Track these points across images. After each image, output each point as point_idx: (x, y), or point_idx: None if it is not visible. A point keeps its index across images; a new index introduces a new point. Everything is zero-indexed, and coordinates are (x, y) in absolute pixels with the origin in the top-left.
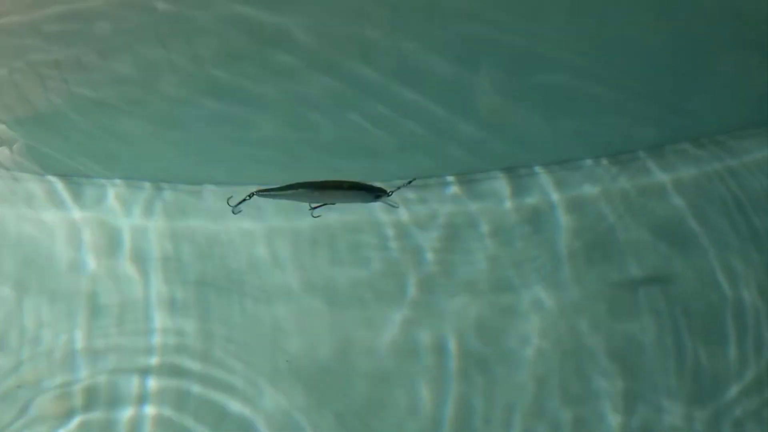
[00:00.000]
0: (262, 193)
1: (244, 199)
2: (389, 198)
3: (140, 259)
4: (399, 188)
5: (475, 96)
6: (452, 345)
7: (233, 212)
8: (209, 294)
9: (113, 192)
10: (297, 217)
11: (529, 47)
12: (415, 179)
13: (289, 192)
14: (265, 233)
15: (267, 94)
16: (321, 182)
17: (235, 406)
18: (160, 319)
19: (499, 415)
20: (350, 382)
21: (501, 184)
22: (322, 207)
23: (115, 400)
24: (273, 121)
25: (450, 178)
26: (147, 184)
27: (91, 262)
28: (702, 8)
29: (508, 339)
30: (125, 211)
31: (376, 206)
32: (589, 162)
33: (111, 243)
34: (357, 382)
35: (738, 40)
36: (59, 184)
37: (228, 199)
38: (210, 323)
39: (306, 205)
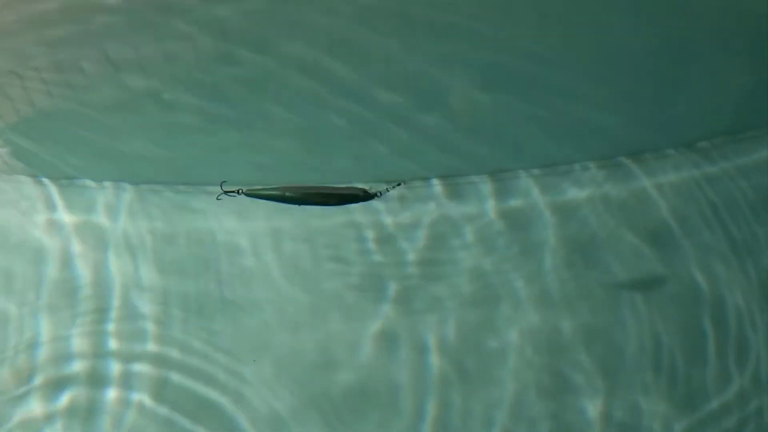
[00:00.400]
0: (250, 192)
1: (231, 193)
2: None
3: (126, 256)
4: (387, 191)
5: (459, 100)
6: (433, 348)
7: (225, 194)
8: (190, 291)
9: (100, 193)
10: (279, 217)
11: (505, 51)
12: (404, 182)
13: (277, 194)
14: (250, 232)
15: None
16: (309, 187)
17: (216, 396)
18: (142, 310)
19: (479, 417)
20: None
21: (486, 188)
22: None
23: (95, 385)
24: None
25: (435, 182)
26: (135, 186)
27: (77, 261)
28: (679, 10)
29: (490, 342)
30: (110, 211)
31: (357, 208)
32: (575, 167)
33: (95, 240)
34: (339, 378)
35: (717, 44)
36: (45, 186)
37: (221, 183)
38: (192, 317)
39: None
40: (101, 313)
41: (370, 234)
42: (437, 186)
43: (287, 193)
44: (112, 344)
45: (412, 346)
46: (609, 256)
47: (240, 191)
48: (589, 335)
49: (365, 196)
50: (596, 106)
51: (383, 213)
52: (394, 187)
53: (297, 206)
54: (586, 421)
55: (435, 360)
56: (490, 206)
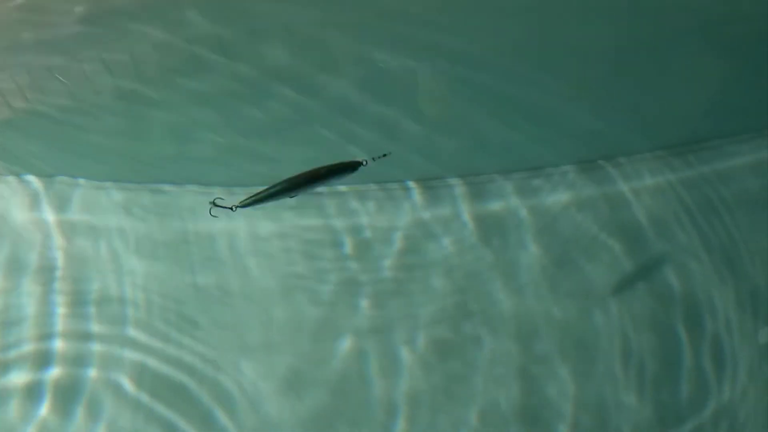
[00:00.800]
0: (244, 203)
1: (225, 207)
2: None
3: (105, 247)
4: (374, 159)
5: (434, 104)
6: (404, 349)
7: (217, 207)
8: (167, 282)
9: (80, 189)
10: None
11: (481, 55)
12: (389, 153)
13: (270, 195)
14: (228, 229)
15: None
16: (297, 176)
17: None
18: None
19: (450, 418)
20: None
21: (462, 191)
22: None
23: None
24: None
25: (411, 184)
26: (117, 184)
27: (57, 251)
28: (655, 14)
29: (465, 345)
30: (90, 206)
31: (334, 211)
32: (552, 170)
33: (75, 231)
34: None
35: (694, 48)
36: (28, 183)
37: (215, 200)
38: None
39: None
40: (80, 296)
41: (345, 236)
42: (413, 189)
43: (278, 189)
44: (90, 327)
45: (384, 348)
46: (585, 259)
47: (233, 207)
48: (564, 338)
49: (353, 164)
50: (574, 110)
51: (360, 214)
52: (381, 157)
53: (275, 204)
54: (556, 426)
55: (407, 361)
56: (466, 209)
